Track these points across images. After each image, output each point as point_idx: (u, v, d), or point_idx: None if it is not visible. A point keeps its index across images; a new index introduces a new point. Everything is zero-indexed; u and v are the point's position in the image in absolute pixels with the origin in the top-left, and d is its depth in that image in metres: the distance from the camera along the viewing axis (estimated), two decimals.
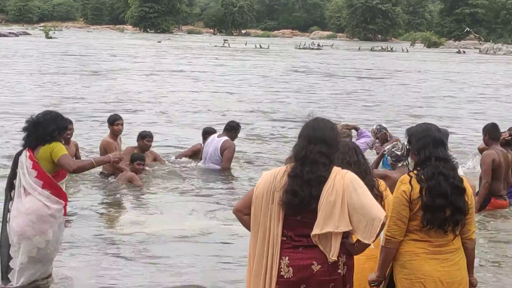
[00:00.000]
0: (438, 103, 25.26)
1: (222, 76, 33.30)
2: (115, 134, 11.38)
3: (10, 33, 73.79)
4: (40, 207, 6.36)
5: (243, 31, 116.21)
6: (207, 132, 12.92)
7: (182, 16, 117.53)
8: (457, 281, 4.81)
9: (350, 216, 4.34)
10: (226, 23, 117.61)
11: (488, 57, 64.23)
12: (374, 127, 11.82)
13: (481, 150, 10.60)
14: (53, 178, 6.44)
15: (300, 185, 4.39)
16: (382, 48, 70.95)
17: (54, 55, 43.59)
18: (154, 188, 11.10)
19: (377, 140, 11.39)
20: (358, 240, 4.41)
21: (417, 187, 4.72)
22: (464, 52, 70.96)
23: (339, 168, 4.50)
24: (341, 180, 4.38)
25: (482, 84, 33.94)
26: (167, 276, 7.27)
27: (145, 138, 11.93)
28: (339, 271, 4.41)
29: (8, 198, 6.53)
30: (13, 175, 6.53)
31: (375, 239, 4.36)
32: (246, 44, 71.45)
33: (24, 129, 6.58)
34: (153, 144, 12.32)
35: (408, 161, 5.45)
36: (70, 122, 9.75)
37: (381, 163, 8.37)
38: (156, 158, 12.39)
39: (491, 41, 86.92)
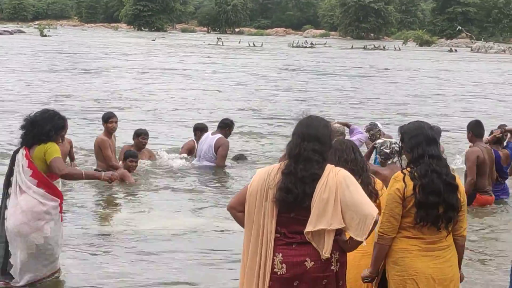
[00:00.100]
0: (427, 101, 25.32)
1: (214, 74, 33.26)
2: (109, 131, 11.37)
3: (4, 31, 73.56)
4: (35, 204, 6.36)
5: (237, 30, 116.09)
6: (198, 128, 12.96)
7: (176, 15, 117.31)
8: (449, 278, 4.83)
9: (343, 213, 4.35)
10: (220, 22, 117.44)
11: (479, 55, 64.29)
12: (368, 124, 11.85)
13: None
14: (48, 177, 6.44)
15: (294, 182, 4.39)
16: (375, 47, 70.94)
17: (47, 53, 43.45)
18: (147, 185, 11.09)
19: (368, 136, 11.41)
20: (350, 237, 4.41)
21: (410, 184, 4.73)
22: (456, 50, 71.05)
23: (332, 165, 4.51)
24: (334, 178, 4.38)
25: (472, 82, 33.94)
26: (158, 272, 7.26)
27: (140, 135, 11.96)
28: (332, 267, 4.41)
29: (5, 196, 6.54)
30: (10, 173, 6.54)
31: (368, 237, 4.36)
32: (239, 42, 71.36)
33: (22, 127, 6.58)
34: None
35: (401, 158, 5.46)
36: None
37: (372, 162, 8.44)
38: (151, 156, 12.39)
39: (482, 39, 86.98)
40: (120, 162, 11.41)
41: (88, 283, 6.88)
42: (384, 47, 70.81)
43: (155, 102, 21.85)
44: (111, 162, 11.23)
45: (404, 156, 5.08)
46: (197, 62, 40.98)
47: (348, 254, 4.61)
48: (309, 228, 4.34)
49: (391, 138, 10.25)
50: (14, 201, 6.42)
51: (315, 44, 71.04)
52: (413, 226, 4.76)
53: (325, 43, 76.05)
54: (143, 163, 11.87)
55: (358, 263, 5.08)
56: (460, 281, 4.99)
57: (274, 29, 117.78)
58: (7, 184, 6.54)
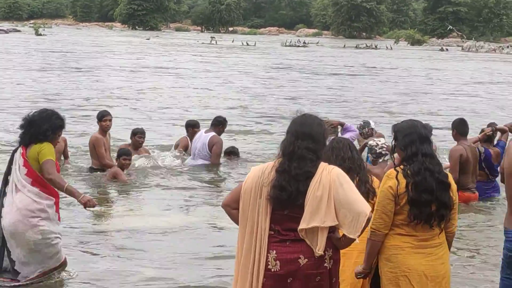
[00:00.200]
0: (415, 99, 25.35)
1: (205, 73, 33.22)
2: (104, 129, 11.35)
3: (0, 30, 73.38)
4: (29, 202, 6.37)
5: (230, 29, 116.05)
6: (190, 125, 12.99)
7: (170, 14, 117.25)
8: (441, 275, 4.84)
9: (336, 211, 4.35)
10: (214, 21, 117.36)
11: (470, 54, 64.42)
12: (361, 122, 11.89)
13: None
14: (43, 176, 6.42)
15: (288, 180, 4.39)
16: (367, 46, 71.01)
17: (40, 51, 43.40)
18: (140, 183, 11.08)
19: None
20: (344, 235, 4.41)
21: (403, 182, 4.74)
22: (447, 49, 71.17)
23: (326, 163, 4.51)
24: (328, 176, 4.38)
25: (461, 81, 33.98)
26: (148, 270, 7.25)
27: (136, 134, 11.97)
28: (325, 264, 4.41)
29: (3, 194, 6.54)
30: (8, 171, 6.56)
31: (361, 234, 4.36)
32: (233, 41, 71.34)
33: (21, 127, 6.58)
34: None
35: (393, 157, 5.48)
36: None
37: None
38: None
39: (473, 39, 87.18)
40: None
41: (79, 280, 6.85)
42: (376, 46, 70.88)
43: (145, 100, 21.86)
44: (104, 160, 11.22)
45: (396, 154, 5.10)
46: (190, 60, 40.98)
47: (346, 252, 4.62)
48: (302, 225, 4.34)
49: (383, 137, 10.35)
50: (10, 199, 6.43)
51: (308, 43, 71.08)
52: (406, 224, 4.77)
53: (317, 42, 76.10)
54: (138, 161, 11.85)
55: (355, 260, 5.09)
56: None
57: (267, 28, 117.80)
58: (5, 182, 6.54)
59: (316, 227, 4.33)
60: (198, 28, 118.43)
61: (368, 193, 5.18)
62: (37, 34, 70.64)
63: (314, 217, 4.33)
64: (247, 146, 14.48)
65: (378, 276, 4.89)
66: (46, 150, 6.39)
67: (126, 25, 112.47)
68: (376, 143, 8.36)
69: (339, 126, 11.04)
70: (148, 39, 70.03)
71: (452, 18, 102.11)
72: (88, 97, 21.94)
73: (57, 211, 6.60)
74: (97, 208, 9.51)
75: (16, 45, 49.96)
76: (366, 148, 9.07)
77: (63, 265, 6.69)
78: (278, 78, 31.87)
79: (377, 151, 8.29)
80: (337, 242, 4.45)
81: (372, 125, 11.68)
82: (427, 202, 4.73)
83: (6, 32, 73.32)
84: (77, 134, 14.68)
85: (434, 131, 16.53)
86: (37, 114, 6.55)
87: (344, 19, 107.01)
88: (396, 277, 4.78)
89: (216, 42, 67.37)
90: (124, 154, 11.14)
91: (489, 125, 11.00)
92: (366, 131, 11.29)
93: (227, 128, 12.97)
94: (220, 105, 21.17)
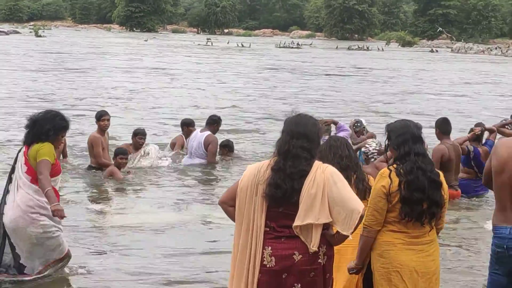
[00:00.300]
0: (403, 99, 25.37)
1: (199, 73, 33.13)
2: (102, 129, 11.36)
3: (0, 31, 73.18)
4: (28, 199, 6.39)
5: (226, 30, 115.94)
6: (185, 124, 13.04)
7: (167, 16, 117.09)
8: (431, 272, 4.86)
9: (330, 208, 4.36)
10: (209, 23, 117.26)
11: (459, 56, 64.50)
12: (353, 120, 11.95)
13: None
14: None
15: (283, 178, 4.40)
16: (359, 47, 71.02)
17: (39, 52, 43.27)
18: (138, 182, 11.09)
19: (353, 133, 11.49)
20: (337, 232, 4.42)
21: (396, 180, 4.76)
22: (436, 51, 71.19)
23: (320, 162, 4.52)
24: (322, 174, 4.39)
25: (449, 81, 33.95)
26: (142, 266, 7.26)
27: (137, 135, 12.03)
28: (319, 260, 4.42)
29: (6, 192, 6.57)
30: (12, 170, 6.59)
31: (354, 231, 4.37)
32: (228, 43, 71.27)
33: (26, 126, 6.60)
34: (127, 138, 12.30)
35: (386, 155, 5.53)
36: None
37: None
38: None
39: (462, 40, 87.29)
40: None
41: (70, 276, 6.84)
42: (367, 48, 70.90)
43: (139, 100, 21.81)
44: (101, 159, 11.22)
45: (388, 153, 5.12)
46: (185, 61, 40.93)
47: (340, 248, 4.63)
48: (297, 222, 4.35)
49: (374, 137, 10.43)
50: (12, 197, 6.47)
51: (301, 44, 71.03)
52: (398, 221, 4.78)
53: (311, 44, 76.04)
54: (136, 160, 11.87)
55: (350, 256, 5.10)
56: None
57: (261, 30, 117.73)
58: (9, 180, 6.58)
59: (311, 224, 4.34)
60: (194, 30, 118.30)
61: (365, 190, 5.22)
62: (37, 35, 70.52)
63: (309, 214, 4.34)
64: (237, 146, 14.51)
65: (370, 271, 4.91)
66: (44, 150, 6.40)
67: (124, 27, 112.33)
68: (368, 149, 8.51)
69: (332, 125, 11.09)
70: (146, 40, 69.88)
71: (442, 20, 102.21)
72: (83, 97, 21.87)
73: None
74: (93, 206, 9.57)
75: (16, 46, 49.84)
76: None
77: (66, 257, 6.69)
78: (271, 79, 31.80)
79: (368, 149, 8.44)
80: (331, 238, 4.46)
81: (364, 123, 11.73)
82: (418, 200, 4.75)
83: (6, 33, 73.13)
84: (70, 132, 14.62)
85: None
86: (42, 114, 6.58)
87: (337, 21, 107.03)
88: (388, 272, 4.80)
89: (212, 44, 67.31)
90: (121, 154, 11.14)
91: (478, 125, 11.06)
92: (358, 129, 11.33)
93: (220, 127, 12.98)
94: (213, 105, 21.10)
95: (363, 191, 5.25)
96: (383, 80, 33.57)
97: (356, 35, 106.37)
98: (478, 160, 10.39)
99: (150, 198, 10.20)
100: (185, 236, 8.37)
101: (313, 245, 4.36)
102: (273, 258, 4.40)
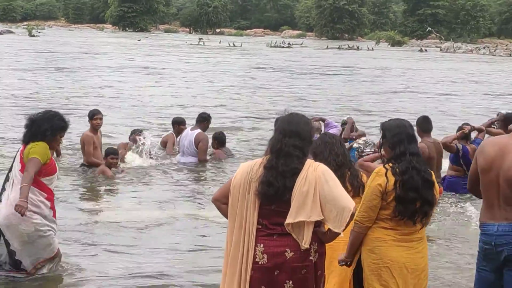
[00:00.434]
0: (389, 98, 25.39)
1: (189, 72, 33.06)
2: (95, 128, 11.34)
3: None
4: None
5: (218, 30, 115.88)
6: (176, 122, 13.11)
7: (159, 16, 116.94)
8: (420, 268, 4.90)
9: (321, 206, 4.37)
10: (201, 23, 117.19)
11: (448, 55, 64.61)
12: (344, 119, 12.02)
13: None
14: (41, 172, 6.41)
15: (275, 176, 4.41)
16: (349, 47, 71.05)
17: (31, 52, 43.07)
18: (130, 179, 11.06)
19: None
20: (329, 229, 4.43)
21: (392, 179, 4.79)
22: (426, 50, 71.31)
23: (312, 160, 4.54)
24: (314, 172, 4.40)
25: (435, 80, 33.97)
26: (131, 263, 7.25)
27: (135, 133, 12.22)
28: (311, 258, 4.43)
29: (2, 190, 6.57)
30: (10, 169, 6.59)
31: (345, 228, 4.39)
32: (220, 42, 71.19)
33: (25, 126, 6.60)
34: (118, 136, 12.29)
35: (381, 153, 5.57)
36: None
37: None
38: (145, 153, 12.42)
39: (451, 40, 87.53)
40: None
41: (65, 275, 6.82)
42: (357, 47, 70.94)
43: (130, 99, 21.76)
44: (90, 158, 11.19)
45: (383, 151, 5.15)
46: (175, 61, 40.82)
47: (333, 244, 4.65)
48: (289, 220, 4.36)
49: (364, 135, 10.48)
50: (7, 194, 6.47)
51: (292, 44, 71.03)
52: (390, 218, 4.81)
53: (301, 43, 76.01)
54: (130, 158, 11.89)
55: (341, 252, 5.11)
56: None
57: (253, 30, 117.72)
58: (6, 178, 6.58)
59: (302, 221, 4.36)
60: (186, 30, 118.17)
61: (359, 187, 5.26)
62: (31, 35, 70.32)
63: (300, 212, 4.35)
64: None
65: (360, 267, 4.93)
66: (36, 149, 6.39)
67: (117, 27, 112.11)
68: (367, 144, 8.56)
69: (320, 122, 11.10)
70: (140, 40, 69.72)
71: (431, 20, 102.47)
72: (71, 95, 21.78)
73: (52, 207, 6.59)
74: (84, 204, 9.57)
75: (9, 45, 49.64)
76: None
77: (56, 256, 6.69)
78: (259, 78, 31.70)
79: (361, 148, 8.50)
80: (322, 236, 4.48)
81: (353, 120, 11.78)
82: (412, 199, 4.78)
83: (0, 33, 72.91)
84: None
85: None
86: (41, 114, 6.61)
87: (327, 21, 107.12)
88: (378, 268, 4.82)
89: (204, 43, 67.23)
90: (112, 153, 11.15)
91: (466, 124, 11.12)
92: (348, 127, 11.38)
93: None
94: (200, 104, 21.00)
95: (357, 188, 5.29)
96: (371, 79, 33.57)
97: (347, 35, 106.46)
98: (466, 158, 10.42)
99: (140, 196, 10.18)
100: (176, 233, 8.36)
101: (305, 243, 4.37)
102: (265, 255, 4.41)
